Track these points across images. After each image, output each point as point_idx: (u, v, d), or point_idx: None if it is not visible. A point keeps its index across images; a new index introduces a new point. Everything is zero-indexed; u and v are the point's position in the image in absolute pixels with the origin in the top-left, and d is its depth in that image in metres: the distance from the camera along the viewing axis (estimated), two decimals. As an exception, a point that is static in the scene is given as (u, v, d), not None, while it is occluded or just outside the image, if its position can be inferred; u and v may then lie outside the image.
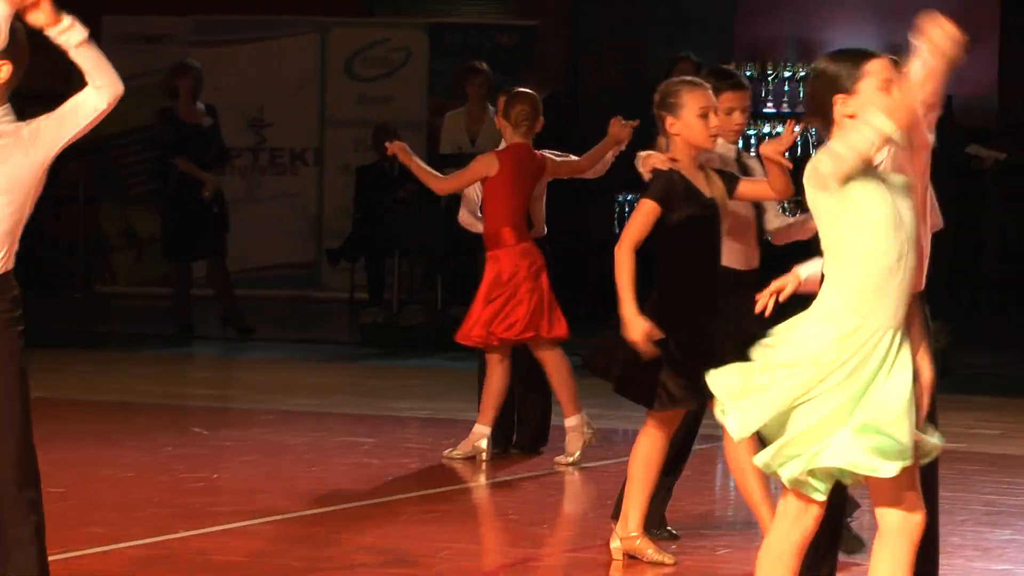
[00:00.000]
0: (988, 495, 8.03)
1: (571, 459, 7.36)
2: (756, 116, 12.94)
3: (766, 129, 12.74)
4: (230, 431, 8.41)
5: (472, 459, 7.30)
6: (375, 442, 7.80)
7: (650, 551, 5.58)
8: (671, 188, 5.08)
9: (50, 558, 4.01)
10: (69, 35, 3.67)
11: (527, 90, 7.29)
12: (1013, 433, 9.78)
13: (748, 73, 12.68)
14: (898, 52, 10.65)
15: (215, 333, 11.32)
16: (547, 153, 7.13)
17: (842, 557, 5.37)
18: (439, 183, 7.22)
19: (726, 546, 6.04)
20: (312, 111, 12.79)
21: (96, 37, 4.95)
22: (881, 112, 3.75)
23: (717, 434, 6.41)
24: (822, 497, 3.83)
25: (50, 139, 3.70)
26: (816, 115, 3.95)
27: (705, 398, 4.51)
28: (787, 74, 12.86)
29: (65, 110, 3.73)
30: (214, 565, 5.42)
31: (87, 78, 3.70)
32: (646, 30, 12.79)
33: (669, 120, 5.21)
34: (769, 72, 12.82)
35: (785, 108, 12.91)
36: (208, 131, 11.04)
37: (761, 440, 3.94)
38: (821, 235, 3.84)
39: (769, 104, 12.99)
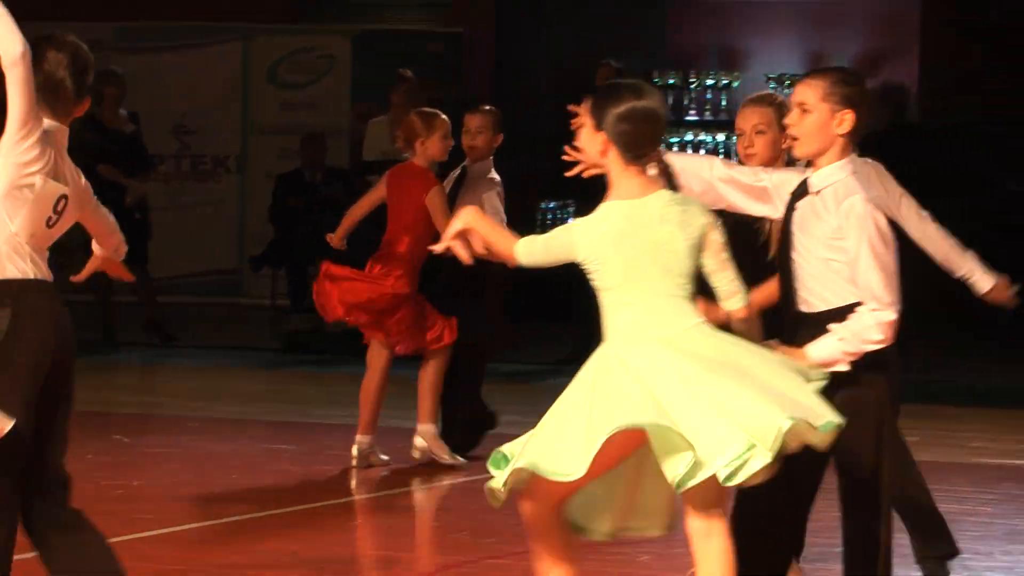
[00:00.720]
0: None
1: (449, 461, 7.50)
2: (679, 124, 13.27)
3: (688, 136, 13.01)
4: (153, 438, 8.44)
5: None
6: (298, 449, 7.87)
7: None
8: None
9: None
10: None
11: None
12: (931, 440, 10.10)
13: (671, 81, 13.04)
14: (820, 61, 10.88)
15: (138, 340, 11.38)
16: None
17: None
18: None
19: (647, 552, 6.11)
20: (235, 118, 12.84)
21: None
22: None
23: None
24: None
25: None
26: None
27: None
28: (709, 82, 13.07)
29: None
30: (134, 572, 5.32)
31: None
32: (574, 38, 12.96)
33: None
34: (692, 81, 13.00)
35: (708, 116, 13.19)
36: (131, 138, 11.19)
37: None
38: None
39: (692, 112, 13.29)
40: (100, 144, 11.06)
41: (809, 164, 4.33)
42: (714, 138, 13.07)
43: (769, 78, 13.22)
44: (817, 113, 4.19)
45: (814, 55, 13.13)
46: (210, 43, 13.17)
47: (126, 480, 6.86)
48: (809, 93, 4.24)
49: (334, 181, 11.40)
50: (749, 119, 4.99)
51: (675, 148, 12.89)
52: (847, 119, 4.21)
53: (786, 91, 13.82)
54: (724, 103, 13.31)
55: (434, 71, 11.38)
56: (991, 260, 6.74)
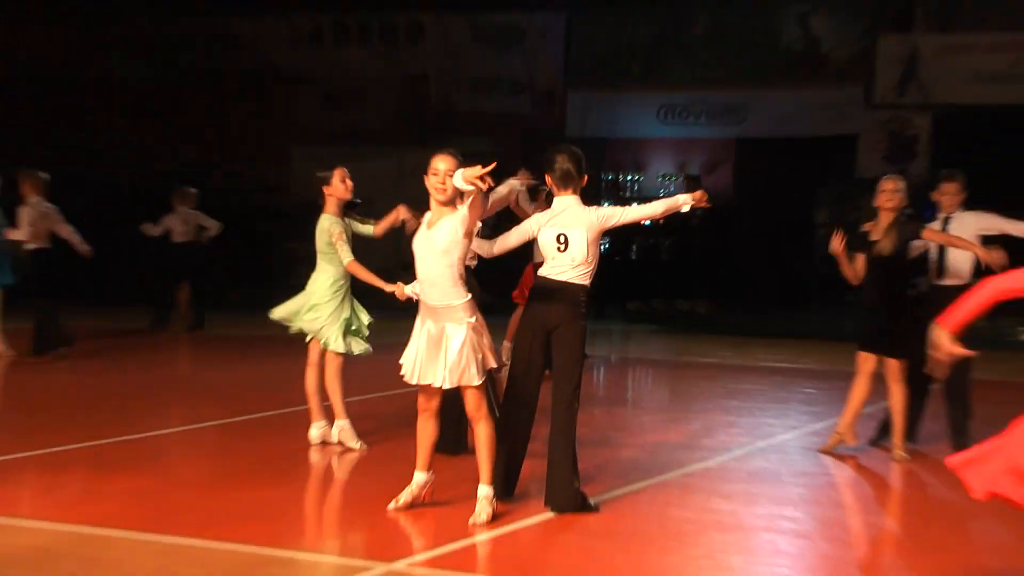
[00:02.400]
0: (727, 384, 12.88)
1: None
2: (614, 200, 22.21)
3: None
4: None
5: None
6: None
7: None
8: None
9: None
10: None
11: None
12: (743, 353, 15.96)
13: (610, 176, 21.89)
14: (683, 169, 20.60)
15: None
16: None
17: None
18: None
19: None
20: (393, 197, 21.21)
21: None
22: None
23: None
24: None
25: None
26: None
27: None
28: (629, 178, 22.05)
29: None
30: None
31: None
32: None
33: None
34: (620, 177, 21.88)
35: (628, 195, 21.61)
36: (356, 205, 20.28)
37: None
38: None
39: (621, 192, 21.54)
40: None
41: None
42: (631, 205, 21.82)
43: (658, 176, 22.05)
44: None
45: (680, 164, 22.35)
46: (383, 156, 20.88)
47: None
48: None
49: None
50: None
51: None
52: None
53: (667, 182, 22.95)
54: (636, 188, 21.92)
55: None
56: None
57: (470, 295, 7.07)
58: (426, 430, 7.33)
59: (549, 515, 7.43)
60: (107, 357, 14.70)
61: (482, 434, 7.21)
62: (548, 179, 7.35)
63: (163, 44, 25.05)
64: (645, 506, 7.81)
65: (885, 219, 9.23)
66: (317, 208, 9.15)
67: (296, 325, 9.19)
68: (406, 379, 7.21)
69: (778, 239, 21.84)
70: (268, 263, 22.19)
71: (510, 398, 7.49)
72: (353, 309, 9.15)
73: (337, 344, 9.02)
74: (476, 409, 7.19)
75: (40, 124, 24.83)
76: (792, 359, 15.15)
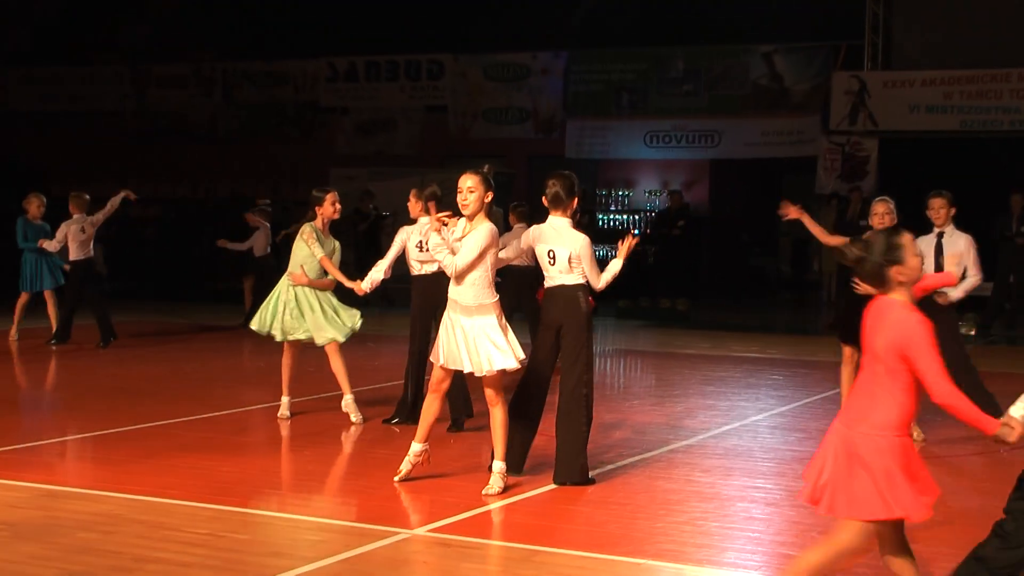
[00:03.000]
0: (705, 372, 12.95)
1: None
2: (606, 213, 21.75)
3: (609, 218, 21.92)
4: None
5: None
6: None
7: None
8: None
9: None
10: None
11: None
12: (716, 346, 16.39)
13: (604, 192, 22.08)
14: (670, 183, 20.88)
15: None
16: None
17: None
18: None
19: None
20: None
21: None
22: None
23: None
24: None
25: None
26: None
27: None
28: (620, 193, 21.89)
29: None
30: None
31: None
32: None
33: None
34: (613, 193, 21.71)
35: (619, 207, 21.78)
36: (376, 216, 20.48)
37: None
38: None
39: (612, 208, 21.44)
40: (361, 218, 20.25)
41: None
42: (622, 216, 21.33)
43: (645, 192, 22.26)
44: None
45: (664, 181, 22.40)
46: (408, 176, 20.41)
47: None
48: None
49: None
50: None
51: (603, 223, 22.14)
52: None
53: (652, 196, 23.06)
54: (626, 202, 21.86)
55: (499, 187, 20.43)
56: None
57: (497, 297, 6.97)
58: (432, 407, 7.14)
59: (553, 487, 7.32)
60: (172, 347, 14.61)
61: (498, 417, 7.09)
62: (544, 200, 7.26)
63: (220, 80, 25.05)
64: (635, 479, 7.73)
65: None
66: (309, 218, 9.11)
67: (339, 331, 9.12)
68: (435, 363, 7.08)
69: (747, 246, 21.93)
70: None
71: (524, 385, 7.39)
72: (312, 305, 9.03)
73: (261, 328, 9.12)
74: (495, 395, 7.06)
75: (108, 151, 24.83)
76: (761, 349, 14.96)
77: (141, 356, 13.74)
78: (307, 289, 9.01)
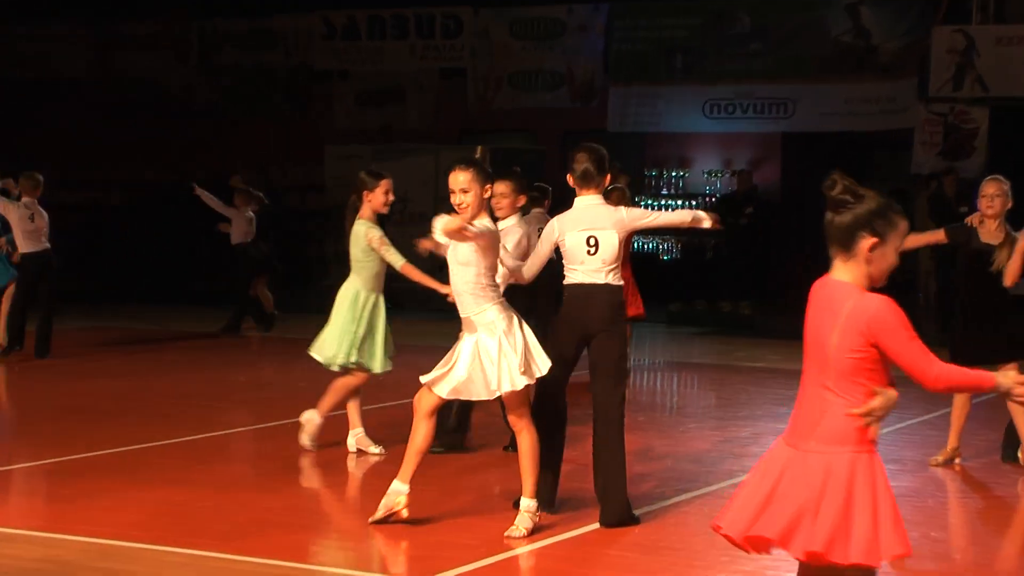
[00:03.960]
0: (776, 389, 13.80)
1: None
2: (657, 196, 21.58)
3: (661, 202, 21.65)
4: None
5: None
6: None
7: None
8: None
9: None
10: None
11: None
12: (789, 357, 16.26)
13: (653, 173, 21.98)
14: (729, 164, 20.79)
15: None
16: None
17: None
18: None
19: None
20: (431, 194, 21.56)
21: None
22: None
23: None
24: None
25: None
26: None
27: None
28: (674, 174, 21.76)
29: None
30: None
31: None
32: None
33: None
34: (664, 173, 21.67)
35: (672, 191, 21.57)
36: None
37: None
38: None
39: (664, 191, 21.61)
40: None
41: None
42: (675, 202, 21.23)
43: (704, 172, 21.95)
44: None
45: (726, 160, 22.37)
46: (420, 154, 20.95)
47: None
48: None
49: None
50: None
51: (652, 210, 22.02)
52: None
53: (713, 178, 23.06)
54: (680, 185, 21.86)
55: (528, 168, 20.01)
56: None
57: (500, 302, 6.94)
58: (425, 434, 7.13)
59: (589, 527, 7.29)
60: (137, 360, 14.69)
61: (524, 444, 7.09)
62: (570, 179, 7.33)
63: (197, 42, 25.17)
64: (691, 519, 7.74)
65: (991, 225, 8.95)
66: (352, 206, 9.09)
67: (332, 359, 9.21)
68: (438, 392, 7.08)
69: (826, 238, 21.80)
70: (301, 266, 22.20)
71: (540, 407, 7.35)
72: (372, 326, 9.06)
73: (338, 358, 9.06)
74: (517, 417, 7.06)
75: (67, 125, 25.01)
76: None
77: (102, 369, 13.85)
78: (380, 303, 9.08)
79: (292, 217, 22.67)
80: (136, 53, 25.40)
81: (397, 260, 8.77)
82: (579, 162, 7.30)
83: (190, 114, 24.81)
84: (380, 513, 7.07)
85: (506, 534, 6.97)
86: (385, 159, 21.19)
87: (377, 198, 8.83)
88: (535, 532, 7.09)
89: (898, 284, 10.05)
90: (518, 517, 7.04)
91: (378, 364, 9.04)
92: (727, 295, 19.58)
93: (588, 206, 7.32)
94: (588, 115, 22.18)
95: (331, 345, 9.05)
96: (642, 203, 21.62)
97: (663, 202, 21.86)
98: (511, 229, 8.25)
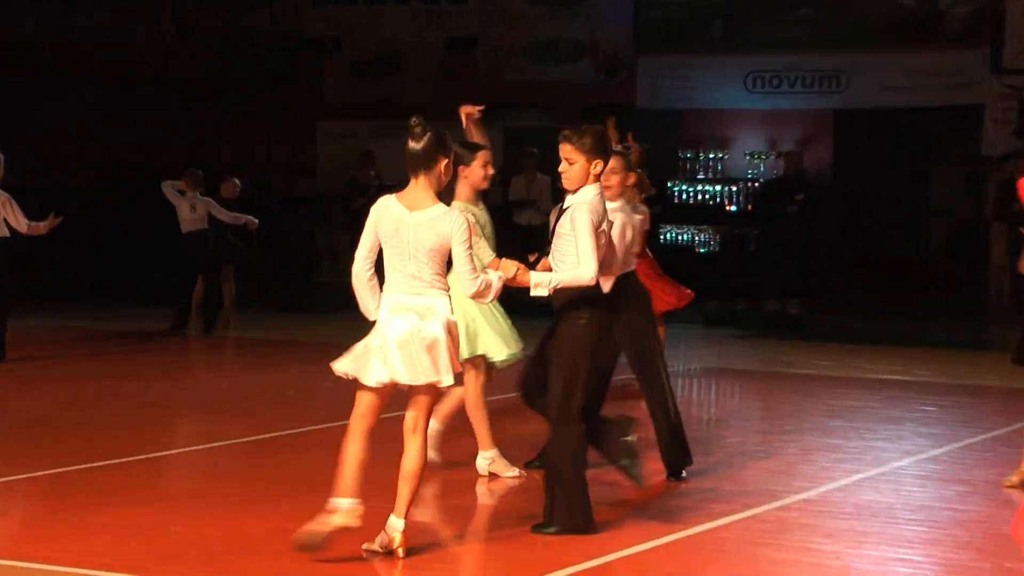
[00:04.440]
0: (827, 400, 13.07)
1: None
2: (693, 180, 21.59)
3: (698, 187, 21.55)
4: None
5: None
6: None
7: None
8: None
9: None
10: None
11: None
12: (842, 363, 15.64)
13: (688, 154, 21.81)
14: (776, 145, 20.72)
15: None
16: None
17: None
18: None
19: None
20: None
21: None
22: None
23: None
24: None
25: None
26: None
27: None
28: (711, 155, 21.61)
29: None
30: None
31: None
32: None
33: None
34: (700, 154, 21.58)
35: (710, 175, 21.54)
36: (378, 187, 20.53)
37: None
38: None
39: (700, 173, 21.62)
40: (359, 190, 20.25)
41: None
42: (713, 188, 21.46)
43: (745, 154, 21.90)
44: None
45: (771, 140, 22.28)
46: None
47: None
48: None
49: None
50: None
51: (687, 196, 22.07)
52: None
53: (756, 161, 22.97)
54: (719, 168, 21.77)
55: (546, 149, 20.25)
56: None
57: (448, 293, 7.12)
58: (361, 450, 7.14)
59: (614, 555, 7.26)
60: (105, 363, 14.69)
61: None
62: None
63: (173, 5, 25.16)
64: (732, 546, 7.73)
65: None
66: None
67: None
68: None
69: (886, 227, 21.79)
70: (289, 257, 22.21)
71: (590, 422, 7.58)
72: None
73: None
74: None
75: (22, 98, 24.96)
76: (905, 370, 15.21)
77: (64, 375, 13.87)
78: None
79: (278, 203, 22.65)
80: (100, 15, 25.36)
81: (485, 254, 8.50)
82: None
83: (163, 87, 24.79)
84: (375, 546, 7.15)
85: (364, 547, 7.06)
86: (382, 137, 21.20)
87: (475, 173, 8.61)
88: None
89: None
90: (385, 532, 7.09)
91: (498, 352, 8.91)
92: (772, 292, 19.55)
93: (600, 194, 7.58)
94: (614, 90, 22.23)
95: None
96: (675, 189, 21.66)
97: (699, 188, 21.78)
98: (613, 214, 8.13)
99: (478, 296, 7.07)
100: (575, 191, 7.41)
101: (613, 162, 8.26)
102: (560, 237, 7.44)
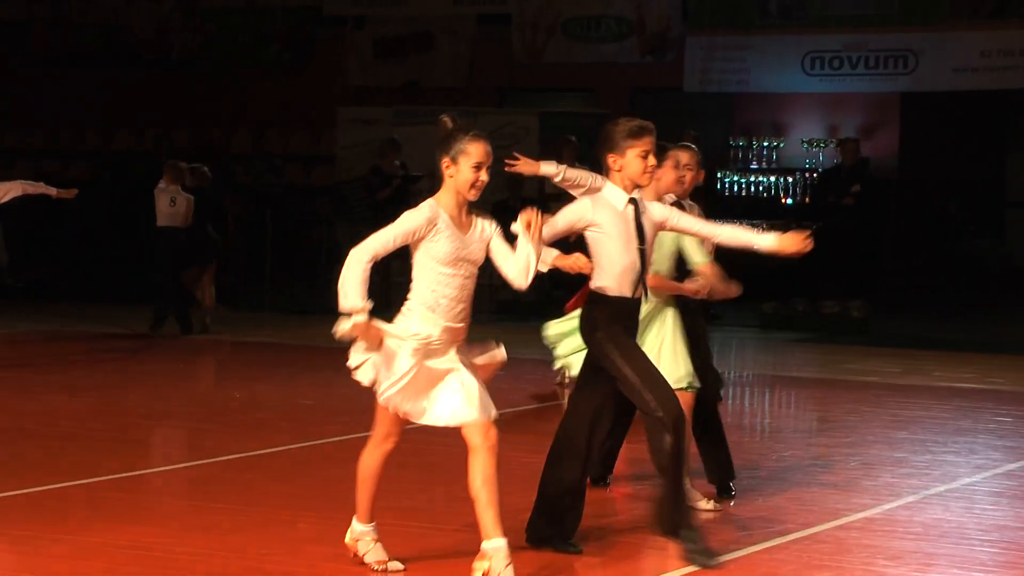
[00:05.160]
0: (892, 409, 13.03)
1: None
2: (745, 170, 21.78)
3: (751, 178, 21.71)
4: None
5: None
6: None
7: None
8: None
9: None
10: None
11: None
12: (909, 370, 15.74)
13: (741, 143, 21.93)
14: (835, 132, 20.71)
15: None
16: None
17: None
18: None
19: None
20: None
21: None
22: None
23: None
24: None
25: None
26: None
27: None
28: (765, 144, 21.83)
29: None
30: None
31: None
32: (666, 113, 21.26)
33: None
34: (754, 143, 21.70)
35: (764, 165, 21.71)
36: (403, 177, 20.50)
37: None
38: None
39: (753, 163, 21.78)
40: (382, 180, 20.36)
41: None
42: (768, 179, 21.63)
43: (803, 141, 22.10)
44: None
45: (831, 127, 22.28)
46: None
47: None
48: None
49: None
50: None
51: (740, 188, 22.03)
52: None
53: (814, 149, 22.95)
54: (774, 157, 21.93)
55: (591, 139, 20.26)
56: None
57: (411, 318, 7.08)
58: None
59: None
60: (103, 370, 14.76)
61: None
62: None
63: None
64: (787, 568, 7.71)
65: None
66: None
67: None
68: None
69: (958, 222, 21.83)
70: (305, 253, 22.27)
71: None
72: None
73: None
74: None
75: (12, 80, 25.04)
76: (979, 377, 15.22)
77: (60, 383, 13.92)
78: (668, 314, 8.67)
79: (294, 194, 22.70)
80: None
81: (698, 257, 8.48)
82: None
83: (167, 67, 24.84)
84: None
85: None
86: (408, 123, 21.26)
87: (666, 176, 8.41)
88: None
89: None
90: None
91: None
92: (832, 293, 19.51)
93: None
94: (661, 71, 22.30)
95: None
96: (727, 180, 21.66)
97: (752, 179, 21.78)
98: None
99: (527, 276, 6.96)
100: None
101: (687, 157, 8.49)
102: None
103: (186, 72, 24.77)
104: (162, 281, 17.41)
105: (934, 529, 8.65)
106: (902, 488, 9.75)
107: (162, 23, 25.27)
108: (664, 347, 8.48)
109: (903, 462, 10.69)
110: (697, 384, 8.58)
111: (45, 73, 25.16)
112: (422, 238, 6.89)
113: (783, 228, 20.73)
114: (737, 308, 19.30)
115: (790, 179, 21.72)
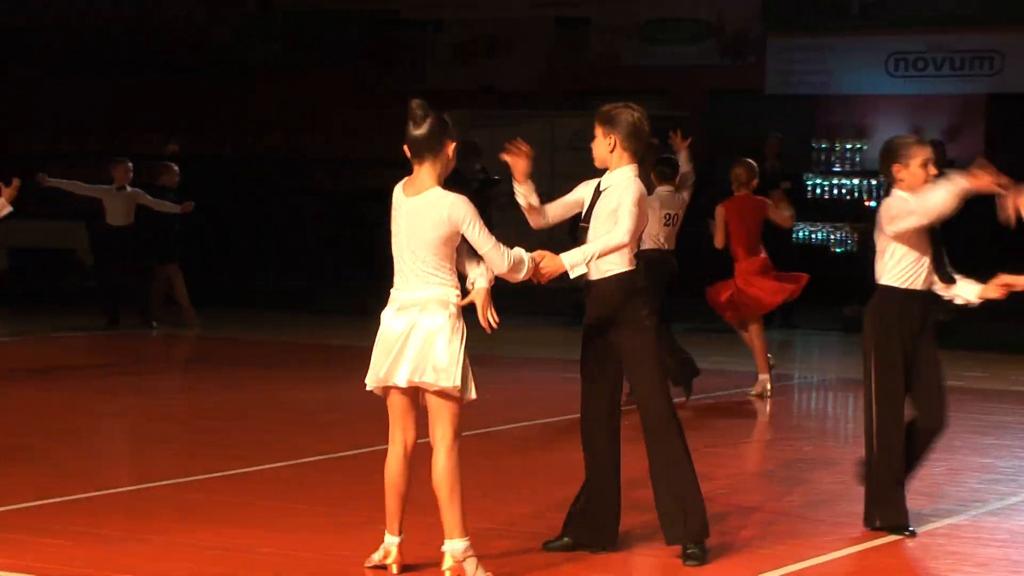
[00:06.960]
0: (977, 414, 12.88)
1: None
2: (828, 172, 21.67)
3: (834, 181, 21.60)
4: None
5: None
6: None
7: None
8: None
9: None
10: None
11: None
12: (998, 374, 15.89)
13: (823, 145, 21.79)
14: (920, 133, 20.46)
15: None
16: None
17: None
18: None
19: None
20: (546, 169, 20.67)
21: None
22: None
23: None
24: None
25: None
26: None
27: None
28: (848, 146, 21.79)
29: None
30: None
31: None
32: (748, 117, 21.15)
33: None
34: (836, 145, 21.69)
35: (847, 168, 21.64)
36: (482, 180, 20.46)
37: None
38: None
39: (836, 165, 21.75)
40: (461, 184, 20.40)
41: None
42: (851, 182, 21.53)
43: (887, 144, 22.09)
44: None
45: (915, 128, 21.97)
46: (530, 121, 21.28)
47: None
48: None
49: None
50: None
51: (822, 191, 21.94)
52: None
53: None
54: (857, 159, 21.86)
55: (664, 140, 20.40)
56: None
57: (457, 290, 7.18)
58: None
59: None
60: (171, 372, 14.86)
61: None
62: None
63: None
64: (872, 575, 7.68)
65: None
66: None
67: None
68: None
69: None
70: (374, 256, 22.37)
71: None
72: None
73: None
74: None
75: (97, 91, 25.27)
76: None
77: (134, 385, 14.01)
78: None
79: (364, 197, 22.79)
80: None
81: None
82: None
83: (242, 71, 24.98)
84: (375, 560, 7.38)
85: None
86: (486, 127, 21.32)
87: (916, 176, 8.42)
88: None
89: None
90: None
91: None
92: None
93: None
94: (740, 74, 22.25)
95: None
96: (809, 182, 21.59)
97: (835, 182, 21.71)
98: None
99: (511, 273, 7.02)
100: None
101: (928, 153, 8.36)
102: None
103: (260, 77, 24.88)
104: (119, 275, 18.19)
105: (1022, 536, 8.61)
106: (988, 494, 9.72)
107: (238, 28, 25.40)
108: None
109: (989, 468, 10.65)
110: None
111: (119, 78, 25.31)
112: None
113: (865, 231, 20.54)
114: (819, 312, 19.33)
115: (873, 182, 21.61)
